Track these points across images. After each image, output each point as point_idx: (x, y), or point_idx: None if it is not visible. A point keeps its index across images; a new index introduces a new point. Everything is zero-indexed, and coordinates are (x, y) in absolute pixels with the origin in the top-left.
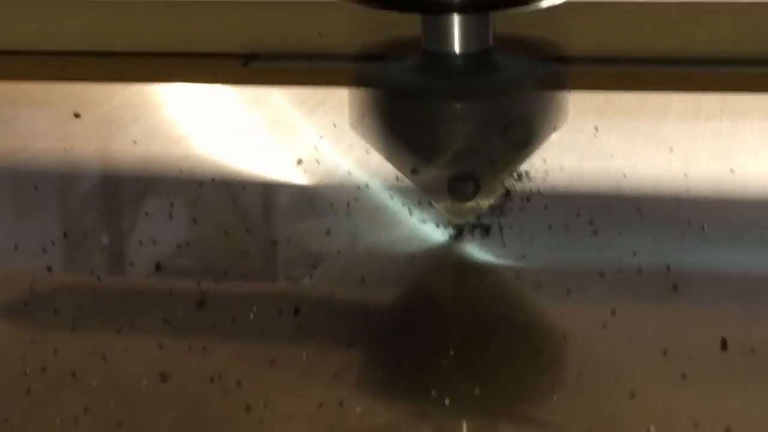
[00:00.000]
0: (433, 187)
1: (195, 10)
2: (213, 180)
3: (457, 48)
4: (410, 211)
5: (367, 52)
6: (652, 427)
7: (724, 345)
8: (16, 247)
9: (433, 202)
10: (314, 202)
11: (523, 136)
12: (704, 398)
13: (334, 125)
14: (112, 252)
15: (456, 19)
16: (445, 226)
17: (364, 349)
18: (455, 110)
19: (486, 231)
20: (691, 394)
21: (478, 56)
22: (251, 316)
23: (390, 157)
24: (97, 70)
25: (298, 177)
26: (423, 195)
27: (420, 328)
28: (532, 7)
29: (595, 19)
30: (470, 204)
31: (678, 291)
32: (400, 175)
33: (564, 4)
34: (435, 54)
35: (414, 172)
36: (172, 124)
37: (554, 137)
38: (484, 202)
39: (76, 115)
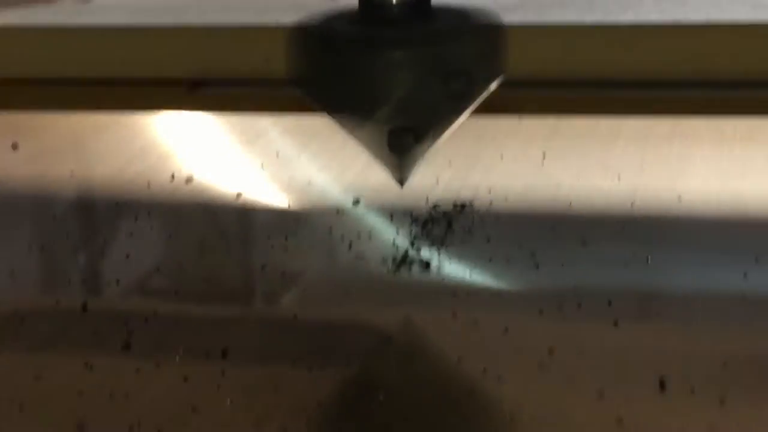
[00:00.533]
0: (373, 140)
1: (141, 35)
2: (148, 213)
3: None
4: (349, 244)
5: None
6: None
7: (662, 385)
8: None
9: (375, 156)
10: (253, 232)
11: (463, 87)
12: None
13: (277, 155)
14: (37, 289)
15: None
16: (384, 261)
17: (291, 394)
18: (393, 60)
19: (426, 266)
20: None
21: (416, 5)
22: (177, 359)
23: (330, 112)
24: (38, 98)
25: (238, 207)
26: (362, 225)
27: (351, 369)
28: None
29: (544, 41)
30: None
31: (618, 327)
32: (340, 206)
33: (510, 25)
34: (372, 3)
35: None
36: (114, 153)
37: (501, 165)
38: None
39: (14, 146)
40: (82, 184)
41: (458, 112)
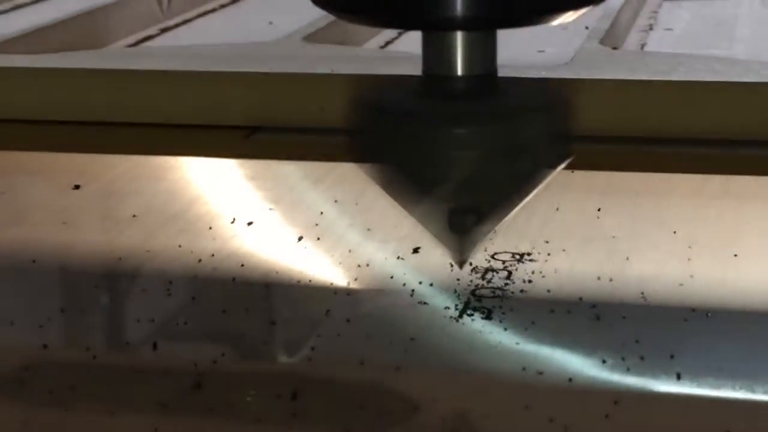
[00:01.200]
0: (433, 218)
1: (198, 81)
2: (212, 255)
3: (459, 70)
4: (411, 292)
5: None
6: None
7: None
8: (12, 323)
9: (434, 235)
10: (314, 281)
11: (529, 167)
12: None
13: (335, 201)
14: (109, 329)
15: (459, 38)
16: (446, 308)
17: None
18: (457, 137)
19: (488, 314)
20: None
21: (482, 79)
22: (248, 399)
23: (387, 188)
24: (97, 141)
25: (299, 253)
26: (423, 274)
27: (418, 414)
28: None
29: (598, 97)
30: (471, 237)
31: (681, 380)
32: (401, 253)
33: (568, 81)
34: (436, 77)
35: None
36: (173, 197)
37: (557, 217)
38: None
39: (76, 187)
40: (143, 225)
41: (524, 194)
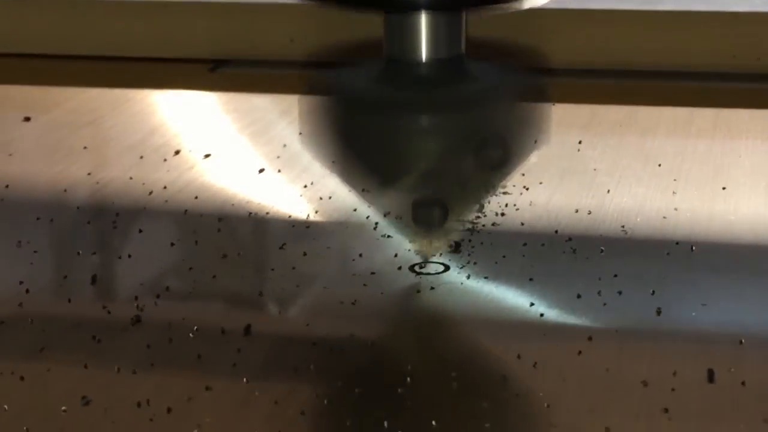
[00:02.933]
0: (396, 213)
1: (161, 11)
2: (165, 188)
3: (423, 55)
4: (375, 225)
5: (339, 58)
6: None
7: (711, 377)
8: None
9: (396, 232)
10: (271, 213)
11: (497, 158)
12: None
13: (300, 134)
14: (44, 263)
15: (423, 20)
16: (411, 241)
17: (309, 378)
18: (419, 125)
19: (455, 247)
20: (673, 425)
21: (448, 64)
22: (190, 335)
23: (348, 179)
24: (53, 73)
25: (257, 186)
26: (388, 207)
27: (377, 351)
28: (509, 8)
29: (582, 29)
30: (437, 234)
31: (662, 316)
32: (366, 186)
33: (550, 11)
34: (399, 61)
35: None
36: (128, 129)
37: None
38: (453, 233)
39: (26, 119)
40: (95, 158)
41: (491, 186)
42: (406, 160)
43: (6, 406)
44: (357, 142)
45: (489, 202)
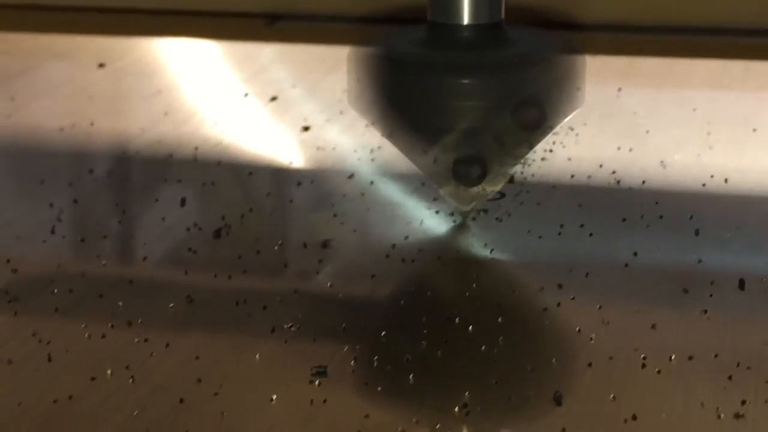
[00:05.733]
0: (438, 170)
1: None
2: (238, 125)
3: (465, 19)
4: (421, 183)
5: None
6: (673, 356)
7: (741, 285)
8: (42, 182)
9: (438, 188)
10: (338, 154)
11: (535, 118)
12: (724, 332)
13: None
14: (137, 189)
15: None
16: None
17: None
18: (462, 87)
19: (510, 179)
20: (711, 328)
21: (489, 29)
22: (276, 248)
23: (391, 138)
24: (125, 24)
25: (309, 135)
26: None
27: (432, 280)
28: None
29: None
30: (476, 189)
31: (699, 236)
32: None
33: None
34: (442, 25)
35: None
36: (197, 76)
37: (577, 96)
38: (491, 188)
39: (101, 65)
40: (169, 100)
41: (529, 145)
42: (448, 119)
43: (120, 303)
44: (401, 100)
45: (526, 161)
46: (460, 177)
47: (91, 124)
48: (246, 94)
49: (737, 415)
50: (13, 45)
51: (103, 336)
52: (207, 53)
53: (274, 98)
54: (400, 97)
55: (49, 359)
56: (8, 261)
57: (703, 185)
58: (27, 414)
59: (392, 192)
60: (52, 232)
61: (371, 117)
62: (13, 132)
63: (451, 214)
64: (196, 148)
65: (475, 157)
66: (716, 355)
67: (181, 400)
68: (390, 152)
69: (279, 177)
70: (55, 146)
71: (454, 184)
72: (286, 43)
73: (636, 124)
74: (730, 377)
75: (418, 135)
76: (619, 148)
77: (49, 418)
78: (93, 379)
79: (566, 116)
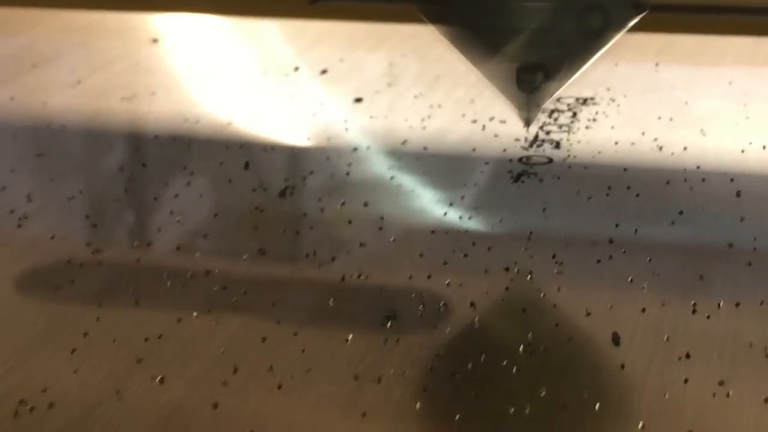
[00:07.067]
0: (501, 76)
1: None
2: (290, 97)
3: None
4: (483, 127)
5: None
6: (721, 303)
7: None
8: (110, 146)
9: (502, 93)
10: (390, 122)
11: (598, 24)
12: None
13: (402, 55)
14: (204, 150)
15: None
16: (516, 139)
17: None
18: None
19: (556, 144)
20: (756, 278)
21: None
22: (339, 207)
23: (458, 45)
24: (172, 2)
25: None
26: (493, 113)
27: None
28: None
29: None
30: (539, 95)
31: (741, 197)
32: (471, 96)
33: None
34: None
35: None
36: (246, 52)
37: (616, 70)
38: (553, 91)
39: (154, 41)
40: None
41: (592, 51)
42: (512, 20)
43: (197, 254)
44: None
45: (581, 111)
46: (524, 84)
47: (153, 94)
48: (297, 68)
49: None
50: (69, 21)
51: (184, 285)
52: (256, 29)
53: (324, 71)
54: (466, 6)
55: (137, 303)
56: (87, 217)
57: (742, 151)
58: (122, 348)
59: (444, 156)
60: (126, 190)
61: (437, 22)
62: (78, 102)
63: (508, 172)
64: (254, 116)
65: (538, 64)
66: (762, 302)
67: (264, 339)
68: (439, 120)
69: (335, 143)
70: (119, 115)
71: (517, 91)
72: (331, 20)
73: (675, 96)
74: None
75: (482, 39)
76: (659, 118)
77: (141, 352)
78: (179, 320)
79: (628, 22)
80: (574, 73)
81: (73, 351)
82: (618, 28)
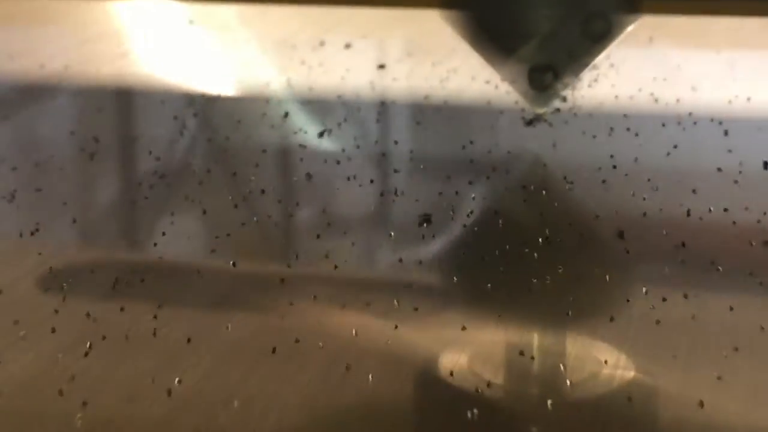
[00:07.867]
0: (513, 75)
1: None
2: (320, 65)
3: None
4: (496, 86)
5: None
6: (711, 208)
7: (765, 166)
8: (162, 102)
9: (514, 90)
10: (412, 83)
11: (601, 28)
12: (755, 198)
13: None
14: (251, 100)
15: None
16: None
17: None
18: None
19: (563, 99)
20: (742, 190)
21: None
22: (373, 144)
23: (475, 45)
24: None
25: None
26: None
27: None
28: None
29: None
30: (549, 92)
31: (728, 135)
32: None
33: None
34: None
35: None
36: (272, 32)
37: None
38: (561, 92)
39: (190, 22)
40: (256, 50)
41: (595, 53)
42: (526, 27)
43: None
44: (485, 12)
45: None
46: (535, 83)
47: (190, 67)
48: (322, 43)
49: None
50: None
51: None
52: (280, 12)
53: (348, 45)
54: (484, 9)
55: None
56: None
57: (729, 102)
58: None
59: (465, 108)
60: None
61: (461, 27)
62: (120, 74)
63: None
64: (288, 80)
65: (548, 65)
66: (746, 208)
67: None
68: (456, 82)
69: (364, 97)
70: (162, 85)
71: (529, 89)
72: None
73: (668, 61)
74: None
75: (498, 42)
76: (654, 78)
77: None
78: None
79: (627, 26)
80: (580, 72)
81: None
82: (618, 32)
